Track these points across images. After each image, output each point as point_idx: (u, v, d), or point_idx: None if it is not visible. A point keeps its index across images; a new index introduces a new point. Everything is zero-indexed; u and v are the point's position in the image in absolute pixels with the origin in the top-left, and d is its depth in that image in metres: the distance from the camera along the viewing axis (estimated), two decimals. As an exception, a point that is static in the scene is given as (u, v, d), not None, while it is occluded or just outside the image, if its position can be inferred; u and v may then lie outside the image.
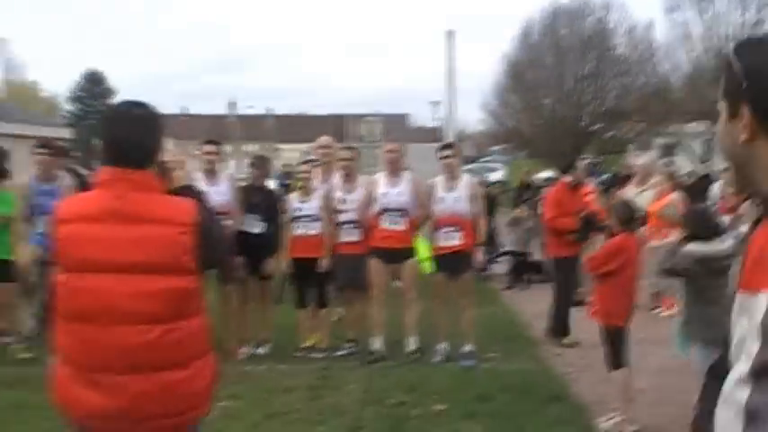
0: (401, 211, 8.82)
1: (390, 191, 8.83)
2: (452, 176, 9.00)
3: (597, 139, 36.39)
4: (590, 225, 10.19)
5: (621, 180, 19.46)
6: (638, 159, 15.16)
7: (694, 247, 6.20)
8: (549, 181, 16.67)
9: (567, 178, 10.68)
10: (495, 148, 55.34)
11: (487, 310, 11.74)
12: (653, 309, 12.65)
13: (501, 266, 15.84)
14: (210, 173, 9.11)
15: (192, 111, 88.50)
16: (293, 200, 9.36)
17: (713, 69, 28.83)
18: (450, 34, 17.36)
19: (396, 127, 68.28)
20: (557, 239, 10.31)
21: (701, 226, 6.37)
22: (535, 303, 13.52)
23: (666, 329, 10.42)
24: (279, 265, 9.53)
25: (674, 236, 11.96)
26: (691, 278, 6.28)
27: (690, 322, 6.28)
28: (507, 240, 16.32)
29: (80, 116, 67.15)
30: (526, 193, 16.54)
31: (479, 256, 9.04)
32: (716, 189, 13.20)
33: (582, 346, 10.16)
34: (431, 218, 9.01)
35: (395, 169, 8.92)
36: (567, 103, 36.00)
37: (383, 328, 9.16)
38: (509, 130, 39.54)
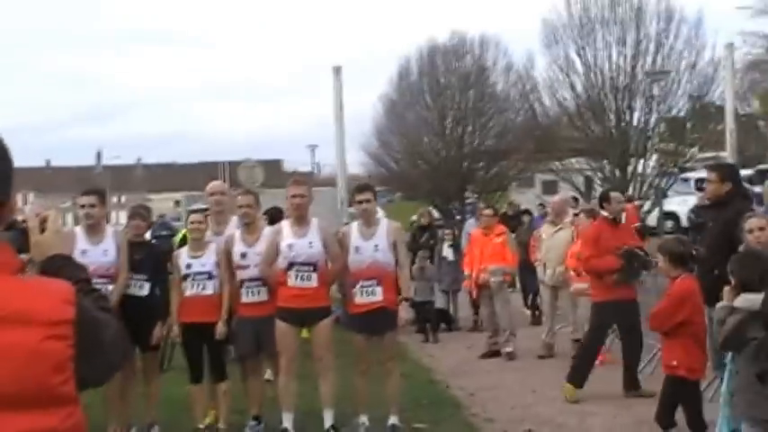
0: (311, 265, 7.58)
1: (297, 242, 7.59)
2: (370, 223, 7.85)
3: (479, 178, 35.92)
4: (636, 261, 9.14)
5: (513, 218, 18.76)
6: (554, 197, 14.36)
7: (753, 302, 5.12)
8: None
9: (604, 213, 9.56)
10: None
11: (401, 369, 10.58)
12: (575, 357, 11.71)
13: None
14: (92, 229, 7.69)
15: (56, 163, 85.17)
16: (183, 255, 8.02)
17: (594, 105, 28.76)
18: (337, 70, 16.31)
19: (272, 173, 67.03)
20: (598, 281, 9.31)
21: (755, 271, 5.36)
22: (449, 356, 12.51)
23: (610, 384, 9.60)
24: (166, 332, 8.16)
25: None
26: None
27: (741, 392, 5.23)
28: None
29: None
30: (422, 235, 15.50)
31: (403, 312, 7.88)
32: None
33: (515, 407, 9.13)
34: (345, 271, 7.82)
35: (301, 216, 7.69)
36: (448, 143, 35.45)
37: (294, 403, 7.86)
38: (390, 171, 38.74)
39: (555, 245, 11.88)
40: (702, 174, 33.49)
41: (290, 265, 7.55)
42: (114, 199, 79.76)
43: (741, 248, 6.58)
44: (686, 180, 29.24)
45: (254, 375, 8.14)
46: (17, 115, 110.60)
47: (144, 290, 7.95)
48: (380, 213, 8.61)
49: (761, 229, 6.53)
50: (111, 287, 7.53)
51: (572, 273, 11.28)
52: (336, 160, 17.28)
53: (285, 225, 7.77)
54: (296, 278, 7.54)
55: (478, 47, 35.64)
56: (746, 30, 32.27)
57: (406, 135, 36.09)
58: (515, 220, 18.11)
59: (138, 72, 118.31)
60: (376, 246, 7.73)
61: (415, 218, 17.67)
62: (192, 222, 8.06)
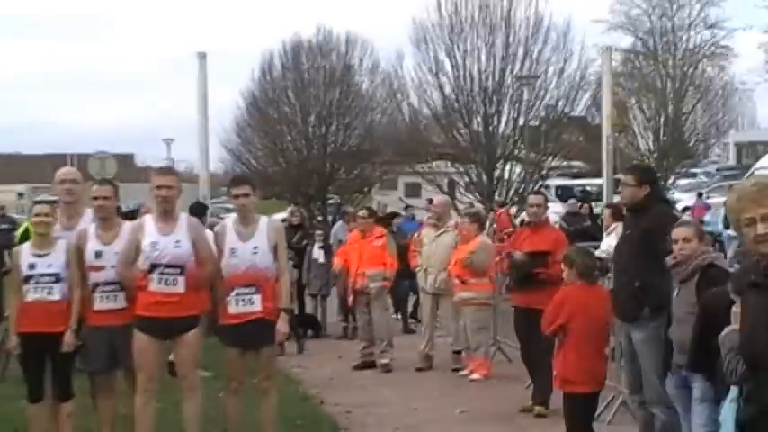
0: (178, 267, 6.51)
1: (162, 239, 6.51)
2: (247, 221, 6.84)
3: (341, 180, 35.17)
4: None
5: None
6: (435, 198, 13.61)
7: None
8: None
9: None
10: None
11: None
12: (455, 370, 11.03)
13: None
14: None
15: None
16: (25, 253, 6.82)
17: (462, 107, 28.38)
18: (201, 56, 15.17)
19: (123, 167, 64.48)
20: None
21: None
22: (319, 367, 11.63)
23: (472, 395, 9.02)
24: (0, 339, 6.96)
25: (480, 287, 10.51)
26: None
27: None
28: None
29: None
30: (294, 236, 14.50)
31: (284, 324, 6.91)
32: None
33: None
34: (219, 275, 6.80)
35: (168, 211, 6.61)
36: (310, 142, 34.54)
37: (152, 427, 6.77)
38: (250, 169, 37.46)
39: (437, 250, 11.14)
40: (560, 181, 34.05)
41: (153, 267, 6.46)
42: (-46, 190, 75.41)
43: (669, 259, 5.94)
44: (547, 187, 29.28)
45: (105, 394, 7.00)
46: None
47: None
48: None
49: (685, 240, 5.92)
50: None
51: (456, 281, 10.58)
52: (199, 154, 16.11)
53: (148, 220, 6.67)
54: (159, 282, 6.47)
55: (344, 44, 34.86)
56: (600, 44, 32.52)
57: (268, 132, 34.95)
58: (387, 222, 17.35)
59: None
60: (255, 248, 6.74)
61: (283, 216, 16.66)
62: (36, 215, 6.85)
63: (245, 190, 6.86)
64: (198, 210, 10.32)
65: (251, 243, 6.74)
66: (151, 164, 76.19)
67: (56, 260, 6.74)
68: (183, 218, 6.69)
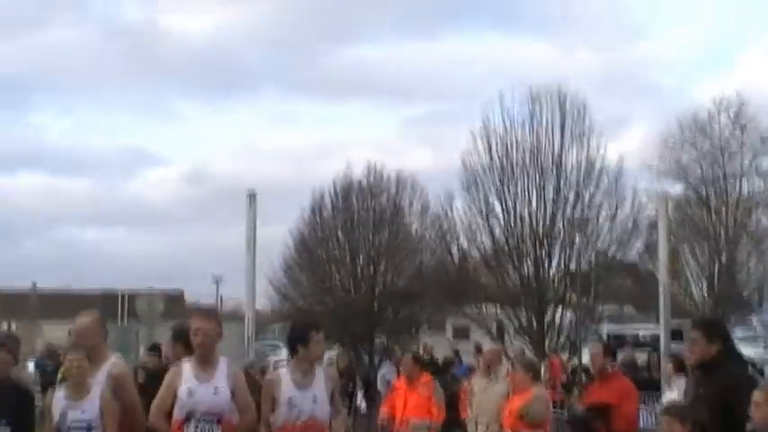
0: (216, 417, 6.11)
1: (200, 386, 6.14)
2: (305, 369, 6.48)
3: (389, 319, 34.75)
4: None
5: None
6: (485, 346, 13.14)
7: None
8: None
9: None
10: (276, 325, 52.90)
11: None
12: None
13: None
14: None
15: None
16: (58, 399, 6.45)
17: (512, 250, 28.11)
18: (251, 197, 15.04)
19: (173, 304, 64.57)
20: None
21: None
22: None
23: None
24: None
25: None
26: None
27: None
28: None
29: None
30: (341, 381, 14.03)
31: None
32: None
33: None
34: (257, 426, 6.38)
35: (206, 356, 6.26)
36: (359, 282, 34.34)
37: None
38: (296, 308, 37.24)
39: (488, 400, 10.60)
40: (612, 327, 33.28)
41: (189, 416, 6.07)
42: (5, 325, 75.96)
43: (749, 426, 5.41)
44: (599, 333, 28.65)
45: None
46: None
47: None
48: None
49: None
50: None
51: (509, 432, 9.99)
52: (243, 292, 15.81)
53: (186, 366, 6.31)
54: None
55: (395, 185, 35.05)
56: (651, 189, 32.32)
57: (316, 271, 34.86)
58: (434, 367, 16.85)
59: (30, 196, 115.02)
60: (314, 397, 6.34)
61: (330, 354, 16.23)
62: (69, 360, 6.49)
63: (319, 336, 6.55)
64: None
65: (310, 392, 6.36)
66: (201, 301, 76.45)
67: (89, 408, 6.36)
68: (223, 364, 6.33)
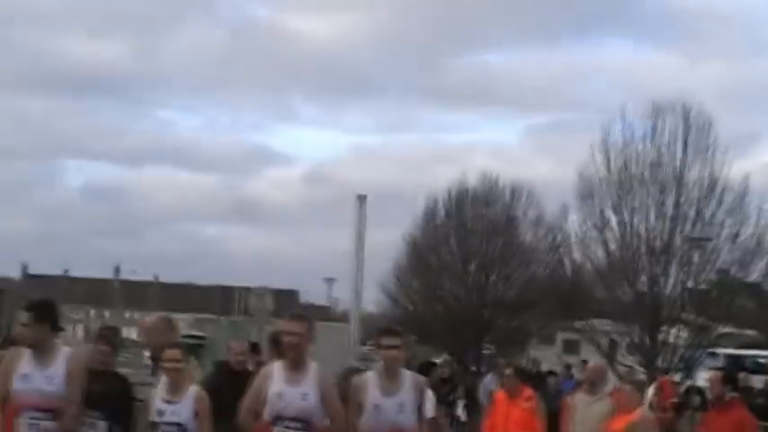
0: (303, 422, 6.07)
1: (288, 390, 6.10)
2: (393, 375, 6.37)
3: (498, 329, 34.45)
4: None
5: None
6: (590, 362, 12.87)
7: None
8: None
9: None
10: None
11: None
12: None
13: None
14: (38, 350, 6.24)
15: (74, 274, 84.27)
16: (156, 397, 6.48)
17: (626, 265, 27.46)
18: (361, 199, 15.15)
19: (286, 303, 65.58)
20: None
21: None
22: None
23: None
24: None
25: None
26: None
27: None
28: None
29: None
30: (443, 389, 13.89)
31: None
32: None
33: None
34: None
35: (296, 360, 6.22)
36: (469, 290, 34.17)
37: None
38: (406, 313, 37.28)
39: (590, 417, 10.30)
40: (730, 350, 32.11)
41: (277, 419, 6.06)
42: (127, 315, 78.58)
43: None
44: (715, 355, 27.69)
45: None
46: (40, 222, 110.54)
47: (98, 431, 6.46)
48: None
49: None
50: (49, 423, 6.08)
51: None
52: (352, 295, 15.96)
53: (276, 368, 6.29)
54: None
55: (509, 194, 34.74)
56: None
57: (427, 277, 34.84)
58: (536, 380, 16.51)
59: (156, 190, 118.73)
60: (401, 405, 6.23)
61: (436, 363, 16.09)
62: (168, 360, 6.56)
63: (396, 341, 6.37)
64: None
65: (396, 399, 6.25)
66: (314, 301, 77.39)
67: (183, 408, 6.38)
68: (314, 369, 6.27)
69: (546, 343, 36.57)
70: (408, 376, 6.43)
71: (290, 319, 6.30)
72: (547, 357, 30.54)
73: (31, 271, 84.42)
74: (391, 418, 6.18)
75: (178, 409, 6.31)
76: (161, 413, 6.32)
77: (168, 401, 6.35)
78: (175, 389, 6.39)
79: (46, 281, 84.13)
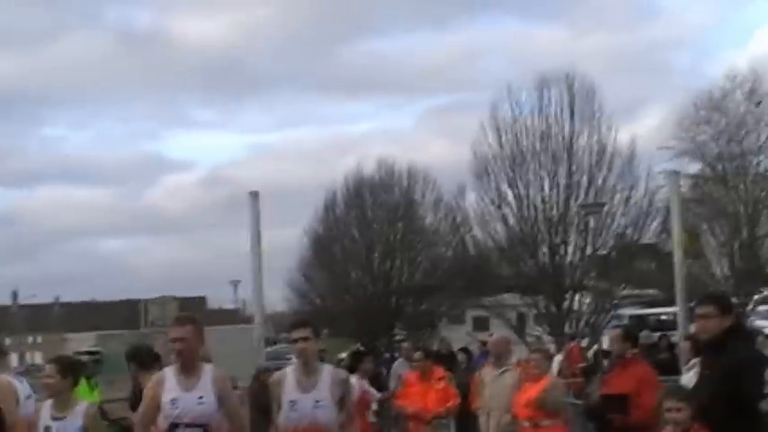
0: (201, 427, 5.85)
1: (183, 396, 5.87)
2: (309, 370, 6.17)
3: (407, 314, 34.51)
4: None
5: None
6: (491, 338, 12.88)
7: None
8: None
9: None
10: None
11: None
12: None
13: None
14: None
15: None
16: (44, 413, 6.24)
17: (526, 238, 27.79)
18: (254, 195, 14.90)
19: (193, 310, 64.59)
20: None
21: None
22: None
23: None
24: None
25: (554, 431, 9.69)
26: None
27: None
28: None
29: None
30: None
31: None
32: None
33: None
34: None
35: (188, 363, 5.98)
36: (375, 278, 34.13)
37: None
38: (315, 308, 37.06)
39: (498, 390, 10.32)
40: (633, 311, 32.85)
41: (173, 426, 5.82)
42: (30, 339, 76.40)
43: (763, 405, 5.09)
44: (620, 317, 28.24)
45: None
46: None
47: None
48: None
49: None
50: None
51: (526, 423, 9.67)
52: (253, 294, 15.68)
53: (168, 374, 6.04)
54: None
55: (406, 179, 34.78)
56: (667, 170, 31.81)
57: (333, 269, 34.67)
58: (448, 359, 16.50)
59: (50, 210, 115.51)
60: (317, 401, 6.04)
61: (343, 356, 15.97)
62: (44, 376, 6.31)
63: (305, 333, 6.16)
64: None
65: (312, 395, 6.06)
66: (222, 305, 76.50)
67: (72, 425, 6.16)
68: (208, 371, 6.04)
69: (456, 322, 36.86)
70: (327, 371, 6.26)
71: (173, 325, 6.05)
72: (458, 337, 30.70)
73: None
74: (309, 413, 6.01)
75: (64, 426, 6.09)
76: (47, 430, 6.10)
77: (55, 418, 6.15)
78: (61, 405, 6.17)
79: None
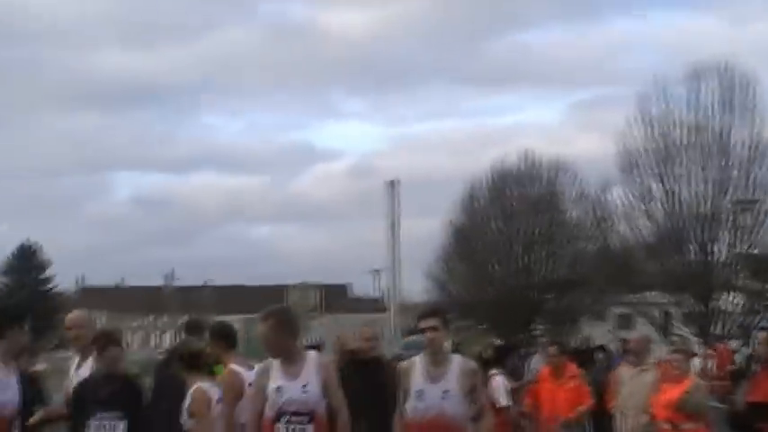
0: (306, 415, 5.75)
1: (288, 385, 5.76)
2: (438, 360, 6.01)
3: (548, 309, 33.96)
4: None
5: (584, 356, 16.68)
6: (633, 333, 12.48)
7: None
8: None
9: None
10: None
11: None
12: None
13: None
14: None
15: (129, 283, 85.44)
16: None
17: (674, 235, 26.87)
18: (392, 184, 14.84)
19: (336, 297, 65.57)
20: None
21: None
22: None
23: None
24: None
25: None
26: None
27: None
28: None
29: (11, 289, 65.57)
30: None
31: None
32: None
33: None
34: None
35: (277, 354, 5.75)
36: (516, 271, 33.73)
37: None
38: (454, 299, 36.92)
39: (637, 390, 9.89)
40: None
41: (279, 416, 5.69)
42: (181, 320, 79.31)
43: None
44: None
45: None
46: (93, 235, 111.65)
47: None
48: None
49: None
50: None
51: (665, 426, 9.21)
52: (390, 283, 15.63)
53: (274, 363, 5.90)
54: None
55: (550, 172, 34.17)
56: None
57: (473, 261, 34.42)
58: (586, 356, 16.02)
59: (204, 196, 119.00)
60: (445, 392, 5.86)
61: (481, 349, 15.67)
62: None
63: (434, 322, 5.97)
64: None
65: (440, 386, 5.89)
66: (364, 294, 77.35)
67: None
68: (313, 358, 5.90)
69: (598, 319, 35.96)
70: (456, 361, 6.07)
71: (261, 317, 5.92)
72: (600, 334, 29.98)
73: (87, 283, 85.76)
74: (436, 404, 5.84)
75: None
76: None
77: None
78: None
79: (101, 291, 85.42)
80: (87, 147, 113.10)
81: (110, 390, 6.30)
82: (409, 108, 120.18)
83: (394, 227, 14.58)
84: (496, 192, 35.12)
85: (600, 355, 16.12)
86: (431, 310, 6.38)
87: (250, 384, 6.22)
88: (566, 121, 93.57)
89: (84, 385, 6.48)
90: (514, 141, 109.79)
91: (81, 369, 6.80)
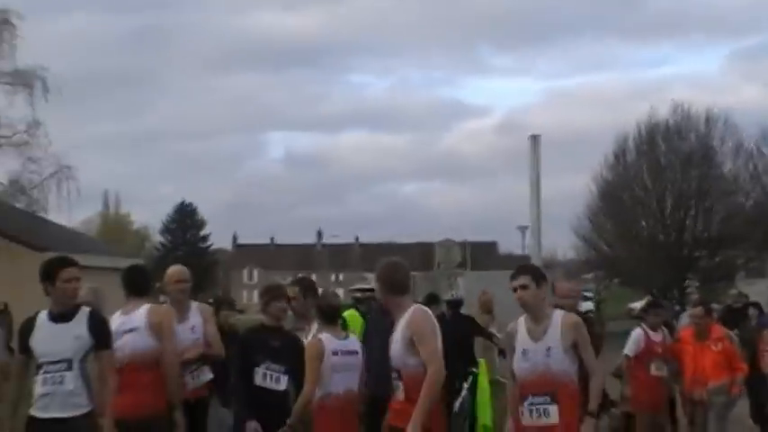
0: (397, 372, 5.71)
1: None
2: (537, 318, 6.01)
3: (701, 267, 33.00)
4: None
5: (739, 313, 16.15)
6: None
7: None
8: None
9: None
10: (588, 276, 51.67)
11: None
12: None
13: None
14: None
15: (279, 241, 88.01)
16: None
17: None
18: (534, 139, 14.73)
19: (485, 255, 65.52)
20: None
21: None
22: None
23: None
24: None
25: None
26: None
27: None
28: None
29: (170, 247, 68.10)
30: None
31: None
32: None
33: None
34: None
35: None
36: (666, 227, 32.86)
37: None
38: (602, 256, 36.31)
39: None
40: None
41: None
42: (332, 277, 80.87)
43: None
44: None
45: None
46: (247, 193, 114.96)
47: (281, 383, 6.55)
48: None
49: None
50: None
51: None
52: (532, 239, 15.54)
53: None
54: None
55: (703, 124, 33.00)
56: None
57: (621, 218, 33.73)
58: (740, 314, 15.49)
59: (353, 154, 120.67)
60: (548, 348, 5.89)
61: (635, 306, 15.46)
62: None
63: (524, 281, 5.94)
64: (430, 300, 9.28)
65: (543, 344, 5.92)
66: (512, 251, 76.94)
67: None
68: (409, 311, 5.99)
69: (755, 276, 34.71)
70: (557, 316, 6.04)
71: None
72: (757, 291, 28.94)
73: (240, 241, 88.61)
74: (541, 362, 5.85)
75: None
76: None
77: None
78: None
79: (254, 249, 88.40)
80: (243, 108, 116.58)
81: (279, 343, 6.58)
82: (558, 62, 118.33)
83: (537, 182, 14.38)
84: (646, 146, 34.21)
85: (752, 312, 15.61)
86: (521, 268, 6.23)
87: None
88: (723, 71, 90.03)
89: (252, 334, 6.83)
90: (668, 93, 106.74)
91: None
